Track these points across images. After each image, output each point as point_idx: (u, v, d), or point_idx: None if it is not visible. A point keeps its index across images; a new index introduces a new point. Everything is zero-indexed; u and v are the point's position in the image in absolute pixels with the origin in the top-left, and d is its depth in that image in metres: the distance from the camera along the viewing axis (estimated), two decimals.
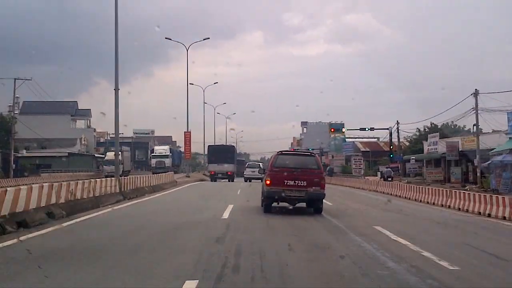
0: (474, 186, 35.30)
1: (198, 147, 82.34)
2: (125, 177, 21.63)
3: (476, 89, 39.06)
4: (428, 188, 22.56)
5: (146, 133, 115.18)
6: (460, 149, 44.15)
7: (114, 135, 78.95)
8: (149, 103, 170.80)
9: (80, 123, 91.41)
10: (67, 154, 67.73)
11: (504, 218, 15.43)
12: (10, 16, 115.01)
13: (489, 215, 16.31)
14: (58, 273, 6.64)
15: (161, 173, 35.43)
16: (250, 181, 42.30)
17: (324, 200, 17.23)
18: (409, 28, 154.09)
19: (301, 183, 14.40)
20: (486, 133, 42.98)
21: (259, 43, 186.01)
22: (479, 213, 16.91)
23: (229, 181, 47.04)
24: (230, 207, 16.71)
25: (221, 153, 49.27)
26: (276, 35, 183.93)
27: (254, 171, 42.70)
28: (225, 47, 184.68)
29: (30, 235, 9.83)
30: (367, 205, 20.25)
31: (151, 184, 25.88)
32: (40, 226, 11.11)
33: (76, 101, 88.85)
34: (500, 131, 39.60)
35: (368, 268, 7.32)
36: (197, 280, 6.18)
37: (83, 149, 79.26)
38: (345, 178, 48.37)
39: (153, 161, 63.69)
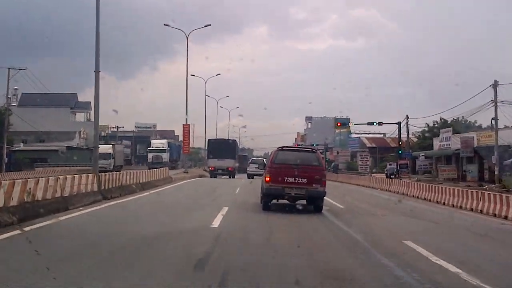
0: (493, 185, 32.54)
1: (201, 141, 79.86)
2: (107, 173, 19.02)
3: (495, 80, 36.43)
4: (451, 189, 19.85)
5: (148, 127, 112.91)
6: (475, 145, 41.64)
7: (115, 129, 75.92)
8: (153, 97, 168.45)
9: (80, 116, 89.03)
10: (65, 148, 65.19)
11: None
12: (15, 8, 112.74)
13: None
14: None
15: (158, 168, 32.88)
16: (253, 177, 39.82)
17: (333, 202, 15.52)
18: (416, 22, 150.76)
19: (302, 180, 13.90)
20: (503, 128, 40.16)
21: (264, 37, 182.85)
22: None
23: (229, 177, 44.50)
24: (225, 210, 14.17)
25: (222, 147, 46.53)
26: (281, 29, 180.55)
27: (257, 167, 40.19)
28: (231, 42, 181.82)
29: None
30: (385, 209, 17.52)
31: (141, 181, 23.25)
32: None
33: (76, 94, 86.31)
34: None
35: None
36: None
37: (82, 142, 76.86)
38: (353, 176, 45.77)
39: (150, 155, 60.81)
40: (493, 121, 37.35)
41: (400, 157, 50.70)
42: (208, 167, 48.52)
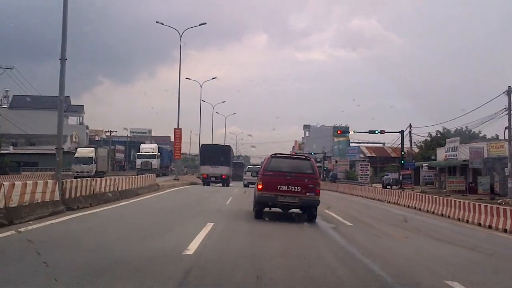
0: (508, 199, 29.92)
1: (198, 148, 76.99)
2: (75, 180, 16.27)
3: (509, 86, 33.83)
4: (475, 205, 17.05)
5: (144, 133, 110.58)
6: (485, 156, 39.14)
7: (110, 135, 72.98)
8: (151, 103, 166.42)
9: (73, 120, 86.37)
10: (55, 151, 62.45)
11: None
12: (12, 13, 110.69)
13: None
14: None
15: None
16: (249, 186, 37.38)
17: (339, 217, 14.01)
18: (416, 34, 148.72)
19: (295, 188, 13.60)
20: None
21: (264, 46, 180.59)
22: None
23: (223, 185, 41.83)
24: (209, 226, 11.54)
25: (215, 153, 43.77)
26: (281, 38, 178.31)
27: (254, 175, 37.96)
28: (230, 50, 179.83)
29: None
30: (404, 228, 14.65)
31: (120, 189, 20.51)
32: None
33: (69, 97, 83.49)
34: None
35: None
36: None
37: (74, 146, 74.19)
38: (355, 186, 43.08)
39: (138, 161, 56.78)
40: (507, 131, 34.70)
41: (402, 167, 48.12)
42: (201, 174, 45.76)
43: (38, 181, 13.32)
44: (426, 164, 52.51)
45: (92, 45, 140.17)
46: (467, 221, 16.77)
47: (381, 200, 28.67)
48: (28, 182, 12.56)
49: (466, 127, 53.75)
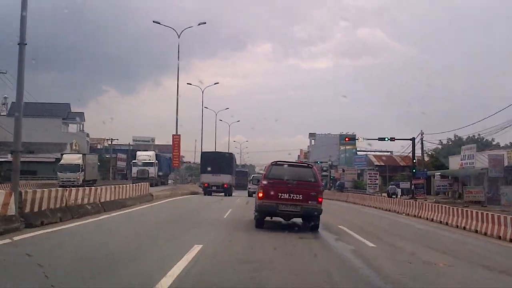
0: None
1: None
2: (40, 190, 13.61)
3: None
4: None
5: (146, 141, 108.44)
6: (505, 164, 36.48)
7: (111, 143, 70.11)
8: (156, 112, 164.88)
9: (73, 128, 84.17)
10: (54, 159, 60.06)
11: None
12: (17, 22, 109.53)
13: None
14: None
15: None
16: (253, 195, 34.91)
17: (358, 236, 12.27)
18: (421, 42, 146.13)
19: (297, 196, 13.29)
20: None
21: (268, 55, 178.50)
22: None
23: (225, 195, 39.30)
24: (195, 250, 9.03)
25: (217, 161, 41.27)
26: (285, 47, 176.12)
27: (255, 183, 35.66)
28: (234, 59, 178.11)
29: None
30: (441, 251, 11.68)
31: (103, 200, 17.92)
32: None
33: (69, 104, 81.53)
34: None
35: None
36: None
37: None
38: (366, 196, 40.41)
39: (134, 169, 52.82)
40: None
41: (414, 176, 45.29)
42: (201, 183, 43.18)
43: None
44: (439, 173, 49.85)
45: (96, 53, 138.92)
46: (511, 240, 14.02)
47: (397, 212, 25.89)
48: None
49: (479, 134, 51.42)
